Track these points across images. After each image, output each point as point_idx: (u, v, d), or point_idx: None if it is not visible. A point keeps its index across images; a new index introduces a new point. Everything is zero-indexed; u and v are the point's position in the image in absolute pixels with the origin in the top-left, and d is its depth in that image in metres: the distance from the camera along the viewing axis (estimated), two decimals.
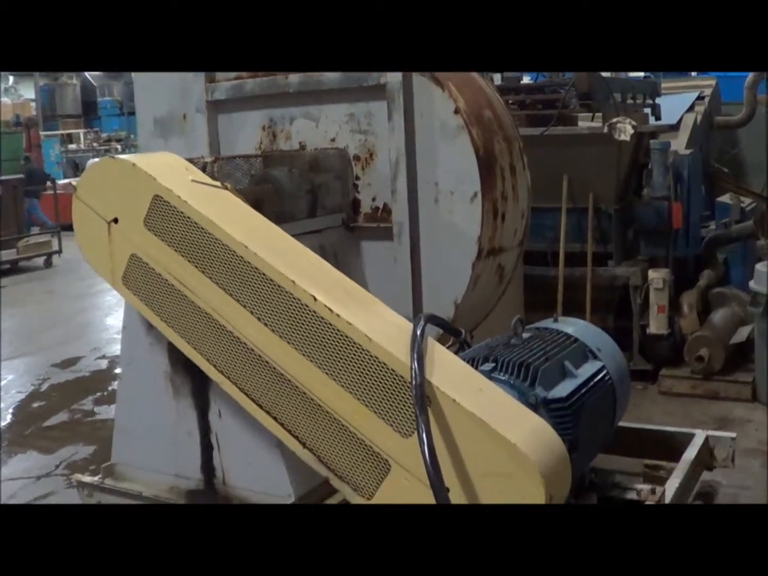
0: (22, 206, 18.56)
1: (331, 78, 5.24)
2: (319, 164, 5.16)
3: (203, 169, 4.54)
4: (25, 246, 17.34)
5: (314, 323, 3.72)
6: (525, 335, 4.38)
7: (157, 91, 6.01)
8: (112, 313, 12.27)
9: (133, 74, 6.18)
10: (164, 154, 4.60)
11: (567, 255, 8.02)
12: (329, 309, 3.68)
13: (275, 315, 3.82)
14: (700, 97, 11.37)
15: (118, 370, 9.09)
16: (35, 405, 8.25)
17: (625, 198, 8.18)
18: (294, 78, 5.36)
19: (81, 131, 33.60)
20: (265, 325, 3.85)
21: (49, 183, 20.36)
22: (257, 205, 4.47)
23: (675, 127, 9.94)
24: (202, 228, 4.02)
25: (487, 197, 5.04)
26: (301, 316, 3.75)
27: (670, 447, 5.25)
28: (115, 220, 4.38)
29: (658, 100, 9.44)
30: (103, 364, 9.66)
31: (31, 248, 17.42)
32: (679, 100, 10.81)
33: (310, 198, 5.08)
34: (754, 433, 6.58)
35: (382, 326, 3.74)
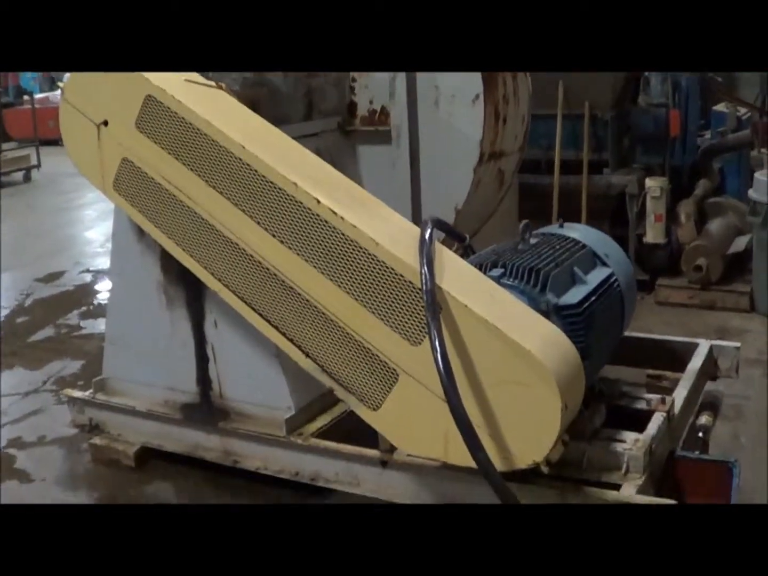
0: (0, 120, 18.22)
1: None
2: None
3: None
4: (4, 160, 17.00)
5: (317, 227, 3.55)
6: (532, 241, 4.23)
7: None
8: (93, 227, 12.09)
9: None
10: None
11: (561, 163, 7.85)
12: (333, 212, 3.52)
13: (276, 219, 3.66)
14: None
15: (101, 284, 9.00)
16: (20, 320, 8.08)
17: (622, 105, 8.00)
18: None
19: None
20: (266, 229, 3.69)
21: (26, 97, 19.98)
22: (253, 107, 4.27)
23: None
24: (198, 129, 3.84)
25: (488, 100, 4.86)
26: (304, 219, 3.58)
27: (673, 357, 5.14)
28: (105, 123, 4.19)
29: None
30: (87, 278, 9.48)
31: (9, 163, 17.07)
32: None
33: (306, 101, 4.89)
34: (753, 343, 6.49)
35: (388, 230, 3.59)
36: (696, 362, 4.92)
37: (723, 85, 10.91)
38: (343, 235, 3.50)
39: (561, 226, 4.66)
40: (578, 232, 4.60)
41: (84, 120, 4.27)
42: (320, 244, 3.55)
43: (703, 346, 5.14)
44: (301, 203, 3.58)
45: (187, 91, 4.01)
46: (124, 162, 4.14)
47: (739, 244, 7.83)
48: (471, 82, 4.81)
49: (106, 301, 6.79)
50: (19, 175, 16.88)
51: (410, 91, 4.89)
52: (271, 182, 3.65)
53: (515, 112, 5.26)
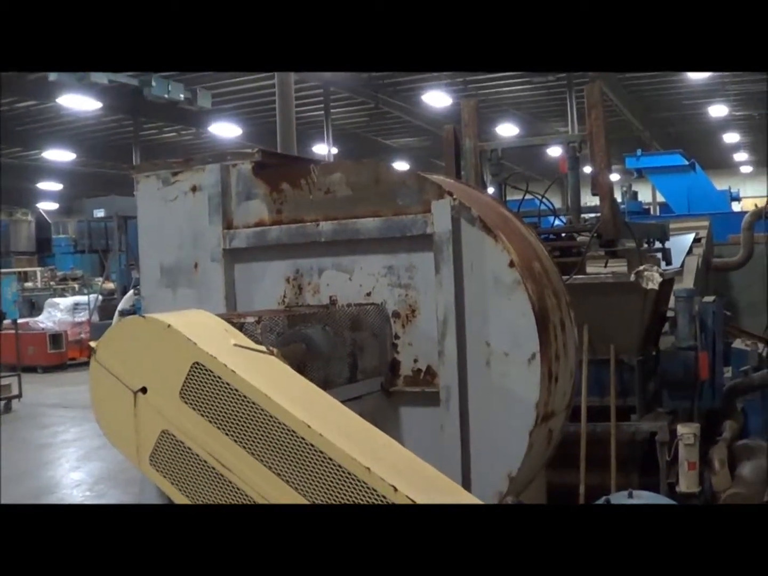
0: None
1: (368, 227, 4.80)
2: (359, 322, 4.67)
3: (241, 330, 4.03)
4: None
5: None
6: None
7: (164, 236, 5.53)
8: (81, 467, 11.56)
9: (139, 218, 5.69)
10: (199, 312, 4.08)
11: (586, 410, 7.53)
12: (412, 501, 3.14)
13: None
14: (696, 239, 11.18)
15: None
16: None
17: (647, 348, 7.75)
18: (326, 226, 4.91)
19: (38, 269, 33.01)
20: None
21: (7, 321, 19.71)
22: (300, 370, 3.96)
23: (679, 272, 9.66)
24: (254, 403, 3.48)
25: (544, 358, 4.58)
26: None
27: None
28: (144, 390, 3.83)
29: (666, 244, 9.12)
30: None
31: None
32: (679, 243, 10.56)
33: (350, 361, 4.57)
34: None
35: None
36: None
37: (733, 319, 10.82)
38: None
39: (630, 495, 4.36)
40: (648, 500, 4.37)
41: (118, 385, 3.90)
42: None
43: None
44: (375, 490, 3.20)
45: (239, 358, 3.68)
46: (163, 435, 3.76)
47: None
48: (527, 340, 4.54)
49: None
50: None
51: (460, 350, 4.65)
52: (340, 466, 3.28)
53: (565, 369, 4.98)
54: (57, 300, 26.45)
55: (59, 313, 25.23)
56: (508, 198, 8.35)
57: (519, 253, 4.69)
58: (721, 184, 29.36)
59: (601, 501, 3.96)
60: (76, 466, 11.68)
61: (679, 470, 7.29)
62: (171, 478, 3.77)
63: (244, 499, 3.52)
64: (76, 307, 25.71)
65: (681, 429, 7.21)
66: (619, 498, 4.32)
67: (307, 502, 3.34)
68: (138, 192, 5.65)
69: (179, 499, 3.76)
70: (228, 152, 5.43)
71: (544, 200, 7.76)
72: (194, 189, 5.36)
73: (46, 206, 46.08)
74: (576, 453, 7.36)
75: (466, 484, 4.61)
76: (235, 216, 5.25)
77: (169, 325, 3.74)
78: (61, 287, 29.76)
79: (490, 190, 8.19)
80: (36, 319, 25.38)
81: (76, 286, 29.93)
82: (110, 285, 26.96)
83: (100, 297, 25.78)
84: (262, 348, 3.86)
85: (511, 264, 4.54)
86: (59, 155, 36.14)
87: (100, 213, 26.65)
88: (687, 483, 7.24)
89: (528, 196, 7.84)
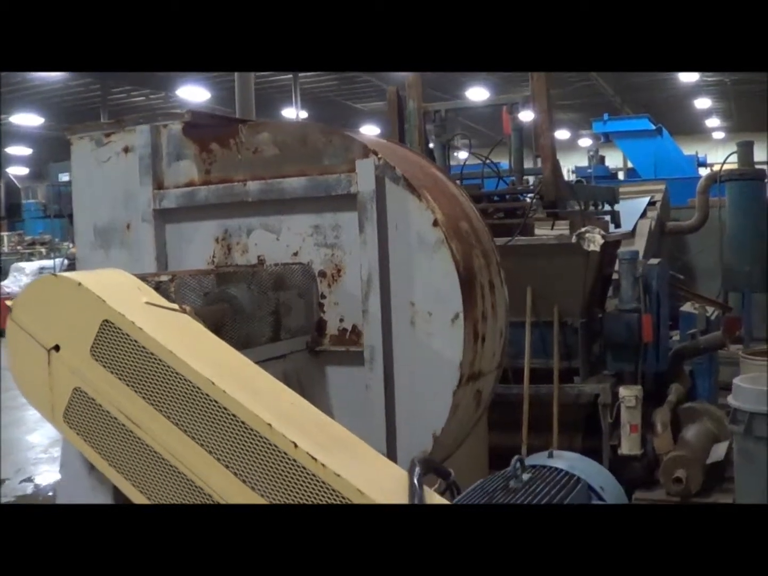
0: None
1: (294, 186, 4.78)
2: (283, 281, 4.66)
3: (157, 289, 4.02)
4: None
5: (295, 474, 3.17)
6: (524, 477, 3.91)
7: (97, 197, 5.50)
8: (37, 429, 11.57)
9: (72, 179, 5.66)
10: (113, 271, 4.06)
11: (530, 372, 7.56)
12: (312, 457, 3.14)
13: (247, 463, 3.27)
14: (651, 203, 11.22)
15: (44, 496, 8.46)
16: None
17: (591, 311, 7.78)
18: (253, 186, 4.89)
19: (5, 234, 32.79)
20: (235, 474, 3.29)
21: None
22: (217, 329, 3.96)
23: (630, 234, 9.69)
24: (160, 360, 3.47)
25: (468, 318, 4.58)
26: (279, 465, 3.20)
27: None
28: (57, 348, 3.81)
29: (616, 207, 9.13)
30: (29, 488, 8.96)
31: None
32: (632, 206, 10.60)
33: (273, 320, 4.57)
34: None
35: (373, 476, 3.21)
36: None
37: (686, 282, 10.88)
38: (324, 483, 3.11)
39: (550, 455, 4.37)
40: (568, 461, 4.35)
41: (33, 343, 3.89)
42: (299, 494, 3.16)
43: None
44: (276, 446, 3.20)
45: (149, 316, 3.67)
46: (76, 392, 3.75)
47: (718, 452, 7.51)
48: (450, 299, 4.54)
49: None
50: None
51: (384, 309, 4.64)
52: (243, 422, 3.28)
53: (493, 329, 4.98)
54: (23, 264, 26.38)
55: (25, 277, 25.13)
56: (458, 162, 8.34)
57: (445, 213, 4.68)
58: (692, 150, 29.43)
59: (514, 460, 3.93)
60: (32, 429, 11.70)
61: (621, 433, 7.34)
62: (84, 435, 3.76)
63: (153, 456, 3.52)
64: (41, 271, 25.58)
65: (623, 391, 7.26)
66: (538, 458, 4.32)
67: (213, 459, 3.35)
68: (72, 153, 5.61)
69: (91, 455, 3.76)
70: (159, 113, 5.40)
71: (488, 162, 7.75)
72: (126, 150, 5.33)
73: (16, 171, 45.72)
74: (519, 415, 7.41)
75: (391, 443, 4.63)
76: (165, 176, 5.22)
77: (79, 283, 3.72)
78: (28, 252, 29.61)
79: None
80: (2, 283, 25.29)
81: (44, 250, 29.79)
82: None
83: (66, 261, 25.66)
84: (174, 306, 3.85)
85: (435, 223, 4.53)
86: (27, 119, 35.84)
87: (65, 177, 26.48)
88: (629, 445, 7.31)
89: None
